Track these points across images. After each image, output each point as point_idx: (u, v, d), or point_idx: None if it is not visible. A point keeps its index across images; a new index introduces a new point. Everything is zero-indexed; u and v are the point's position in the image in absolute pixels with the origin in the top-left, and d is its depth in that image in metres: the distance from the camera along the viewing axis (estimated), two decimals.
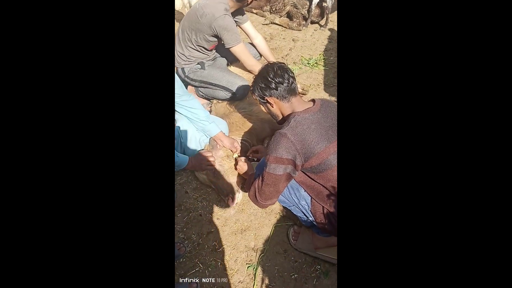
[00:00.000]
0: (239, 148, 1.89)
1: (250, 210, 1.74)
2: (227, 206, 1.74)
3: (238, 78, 2.18)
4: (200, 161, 1.77)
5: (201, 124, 1.82)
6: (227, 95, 2.19)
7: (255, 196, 1.32)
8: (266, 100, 1.32)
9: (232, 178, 1.79)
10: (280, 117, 1.37)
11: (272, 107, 1.33)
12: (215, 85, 2.20)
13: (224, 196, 1.75)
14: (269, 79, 1.27)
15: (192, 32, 2.09)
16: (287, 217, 1.68)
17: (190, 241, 1.61)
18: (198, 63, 2.23)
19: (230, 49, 2.07)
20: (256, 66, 2.15)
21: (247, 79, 2.22)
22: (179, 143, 1.86)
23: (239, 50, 2.07)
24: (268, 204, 1.33)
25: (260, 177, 1.28)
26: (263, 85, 1.30)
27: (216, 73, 2.20)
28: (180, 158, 1.69)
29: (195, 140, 1.88)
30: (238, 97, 2.18)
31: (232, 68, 2.40)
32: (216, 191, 1.81)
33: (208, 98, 2.34)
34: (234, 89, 2.14)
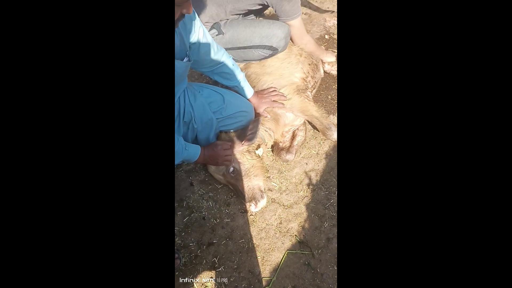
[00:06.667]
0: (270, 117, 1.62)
1: (262, 225, 1.46)
2: (243, 210, 1.47)
3: (274, 26, 1.60)
4: (215, 153, 1.40)
5: (240, 87, 1.57)
6: (265, 53, 1.66)
7: None
8: None
9: (254, 180, 1.46)
10: None
11: None
12: (246, 47, 1.67)
13: (246, 201, 1.45)
14: None
15: None
16: (304, 243, 1.40)
17: (187, 250, 1.39)
18: (213, 27, 1.65)
19: (287, 22, 1.56)
20: (310, 43, 1.66)
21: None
22: (180, 124, 1.44)
23: (299, 24, 1.58)
24: None
25: None
26: None
27: (242, 31, 1.63)
28: (190, 150, 1.34)
29: (210, 125, 1.49)
30: (281, 50, 1.68)
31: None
32: (236, 195, 1.52)
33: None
34: (273, 43, 1.61)
